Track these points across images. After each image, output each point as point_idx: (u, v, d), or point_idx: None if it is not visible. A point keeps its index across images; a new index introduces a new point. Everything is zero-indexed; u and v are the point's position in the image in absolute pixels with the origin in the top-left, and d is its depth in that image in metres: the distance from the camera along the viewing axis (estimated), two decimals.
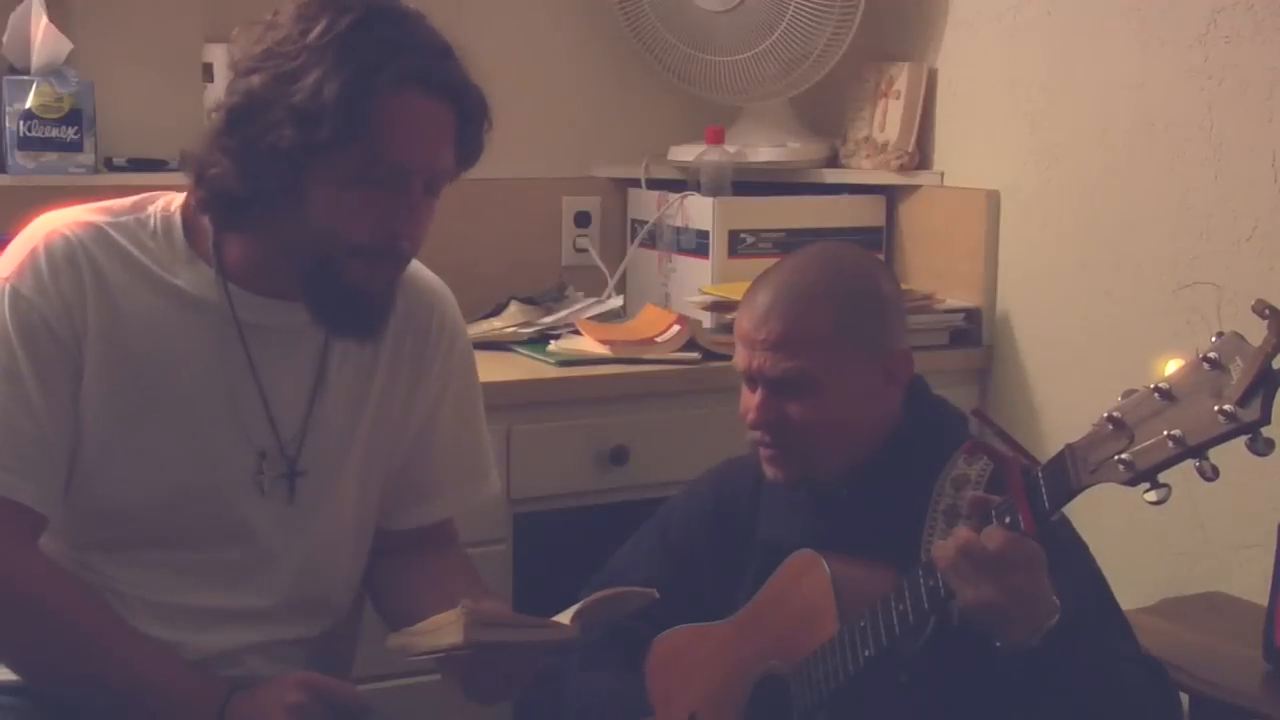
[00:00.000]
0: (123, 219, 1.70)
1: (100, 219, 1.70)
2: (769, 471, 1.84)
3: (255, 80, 1.60)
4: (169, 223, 1.71)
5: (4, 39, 2.50)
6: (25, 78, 2.49)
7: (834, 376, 1.78)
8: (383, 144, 1.58)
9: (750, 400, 1.83)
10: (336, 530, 1.80)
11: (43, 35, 2.47)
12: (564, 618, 1.63)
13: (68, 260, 1.65)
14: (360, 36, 1.58)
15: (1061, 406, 2.63)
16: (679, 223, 2.88)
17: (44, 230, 1.68)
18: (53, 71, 2.49)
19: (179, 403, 1.68)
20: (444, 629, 1.58)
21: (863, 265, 1.90)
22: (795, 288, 1.81)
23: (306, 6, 1.61)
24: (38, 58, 2.48)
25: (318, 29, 1.58)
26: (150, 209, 1.72)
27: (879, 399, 1.82)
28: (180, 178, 2.53)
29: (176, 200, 1.73)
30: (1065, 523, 1.75)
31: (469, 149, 1.68)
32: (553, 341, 2.65)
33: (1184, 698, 2.03)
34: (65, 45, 2.50)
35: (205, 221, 1.69)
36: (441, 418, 1.85)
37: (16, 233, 2.20)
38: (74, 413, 1.65)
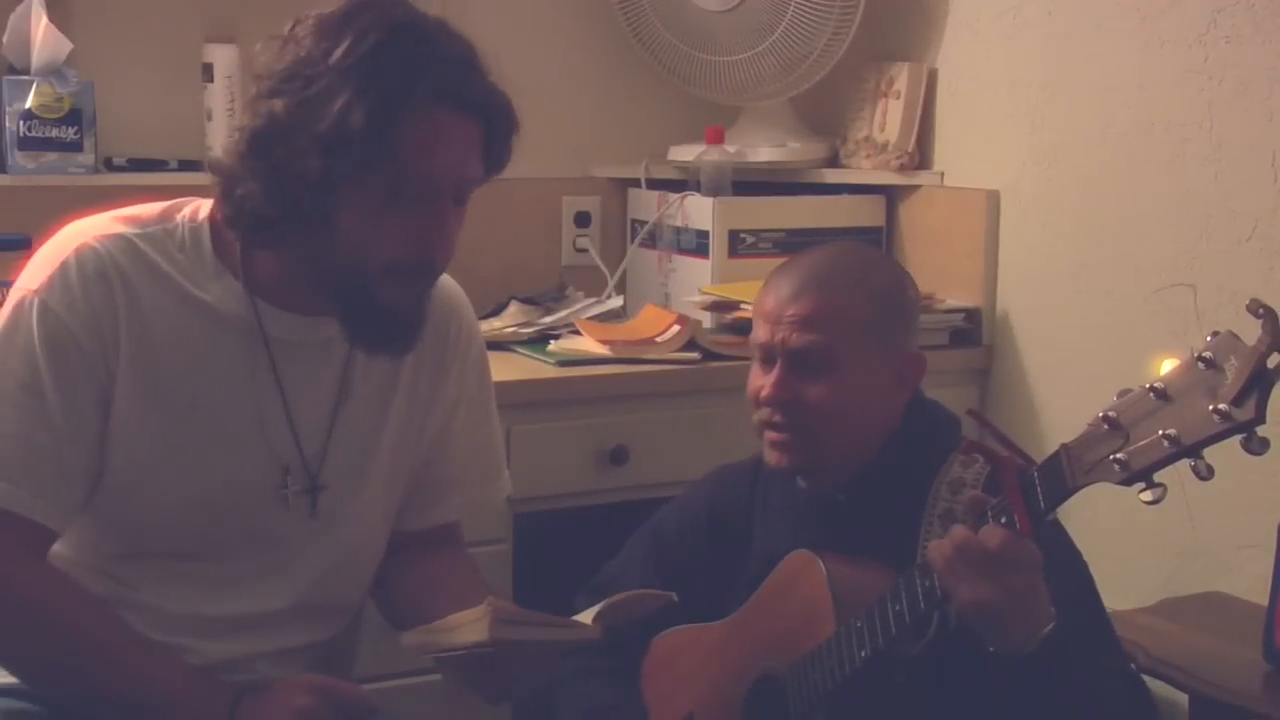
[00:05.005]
0: (150, 229, 1.68)
1: (128, 230, 1.67)
2: (771, 457, 1.83)
3: (278, 104, 1.57)
4: (197, 234, 1.69)
5: (4, 39, 2.50)
6: (25, 78, 2.49)
7: (854, 363, 1.79)
8: (411, 164, 1.57)
9: (763, 379, 1.83)
10: (360, 539, 1.80)
11: (43, 35, 2.47)
12: (585, 618, 1.62)
13: (99, 275, 1.63)
14: (384, 58, 1.55)
15: (1061, 406, 2.63)
16: (679, 223, 2.88)
17: (73, 242, 1.66)
18: (53, 71, 2.49)
19: (206, 418, 1.68)
20: (467, 626, 1.57)
21: (892, 266, 1.94)
22: (830, 273, 1.83)
23: (327, 23, 1.58)
24: (38, 58, 2.48)
25: (340, 50, 1.55)
26: (178, 218, 1.70)
27: (888, 400, 1.83)
28: (181, 178, 2.57)
29: (203, 209, 1.71)
30: (1060, 530, 1.76)
31: (497, 157, 1.66)
32: (553, 341, 2.65)
33: (1184, 698, 2.04)
34: (65, 45, 2.50)
35: (233, 234, 1.67)
36: (456, 421, 1.85)
37: (16, 233, 2.21)
38: (97, 429, 1.64)
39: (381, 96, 1.54)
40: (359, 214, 1.59)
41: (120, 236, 1.67)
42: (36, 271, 1.66)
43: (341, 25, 1.58)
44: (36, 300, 1.63)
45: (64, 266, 1.64)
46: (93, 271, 1.64)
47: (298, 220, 1.60)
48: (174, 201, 1.73)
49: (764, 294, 1.86)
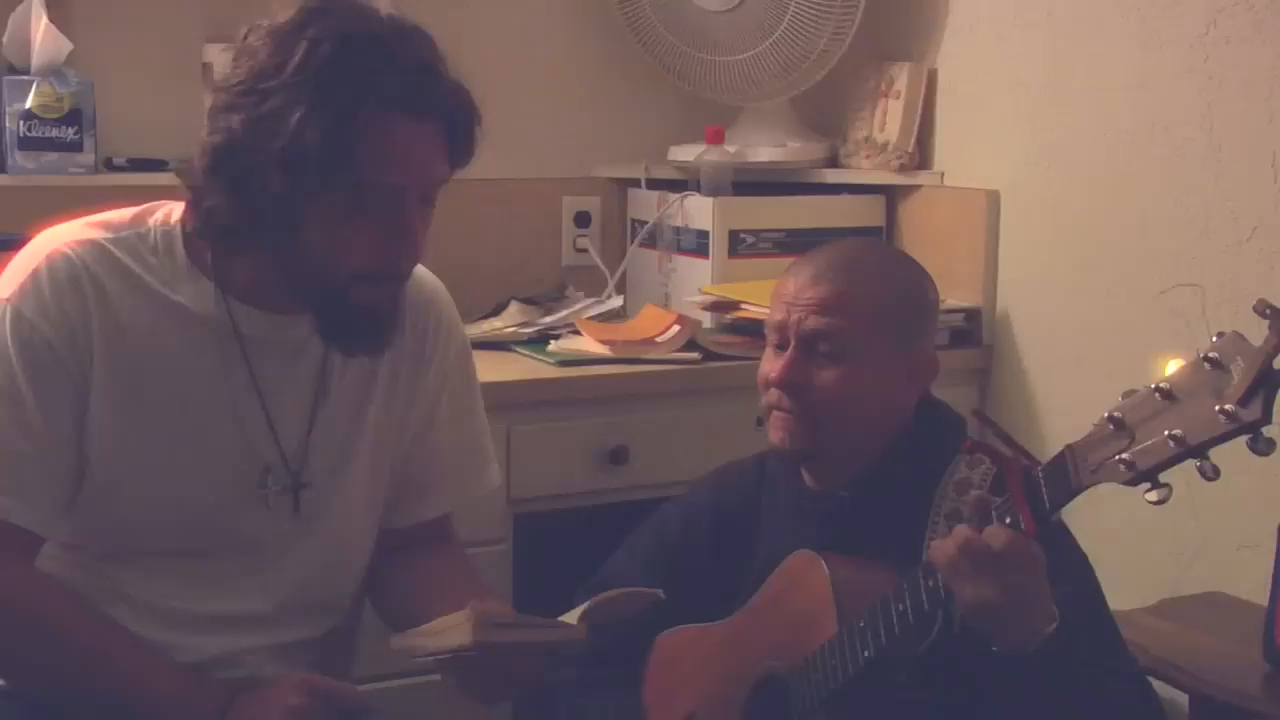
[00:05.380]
0: (124, 234, 1.68)
1: (101, 235, 1.68)
2: (775, 436, 1.84)
3: (235, 120, 1.56)
4: (170, 237, 1.69)
5: (4, 39, 2.50)
6: (25, 78, 2.49)
7: (866, 353, 1.80)
8: (372, 175, 1.56)
9: (775, 363, 1.83)
10: (345, 536, 1.81)
11: (43, 35, 2.47)
12: (570, 618, 1.63)
13: (71, 281, 1.64)
14: (338, 70, 1.54)
15: (1061, 406, 2.63)
16: (679, 223, 2.88)
17: (45, 249, 1.66)
18: (53, 71, 2.49)
19: (184, 420, 1.68)
20: (451, 630, 1.58)
21: (914, 265, 1.94)
22: (852, 263, 1.85)
23: (279, 33, 1.57)
24: (38, 58, 2.48)
25: (294, 62, 1.54)
26: (150, 222, 1.70)
27: (896, 396, 1.83)
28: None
29: (176, 212, 1.71)
30: (1065, 532, 1.76)
31: (461, 152, 1.66)
32: (553, 341, 2.65)
33: (1184, 698, 2.04)
34: (65, 45, 2.50)
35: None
36: (439, 415, 1.85)
37: (17, 232, 2.20)
38: (76, 434, 1.64)
39: (337, 111, 1.53)
40: (324, 226, 1.59)
41: (92, 242, 1.67)
42: (9, 280, 1.67)
43: (294, 35, 1.56)
44: (9, 308, 1.64)
45: (36, 274, 1.64)
46: (65, 278, 1.64)
47: (264, 232, 1.60)
48: (146, 205, 1.73)
49: (784, 279, 1.87)
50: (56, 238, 1.68)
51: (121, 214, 1.72)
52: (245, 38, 1.60)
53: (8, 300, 1.64)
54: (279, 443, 1.72)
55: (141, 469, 1.67)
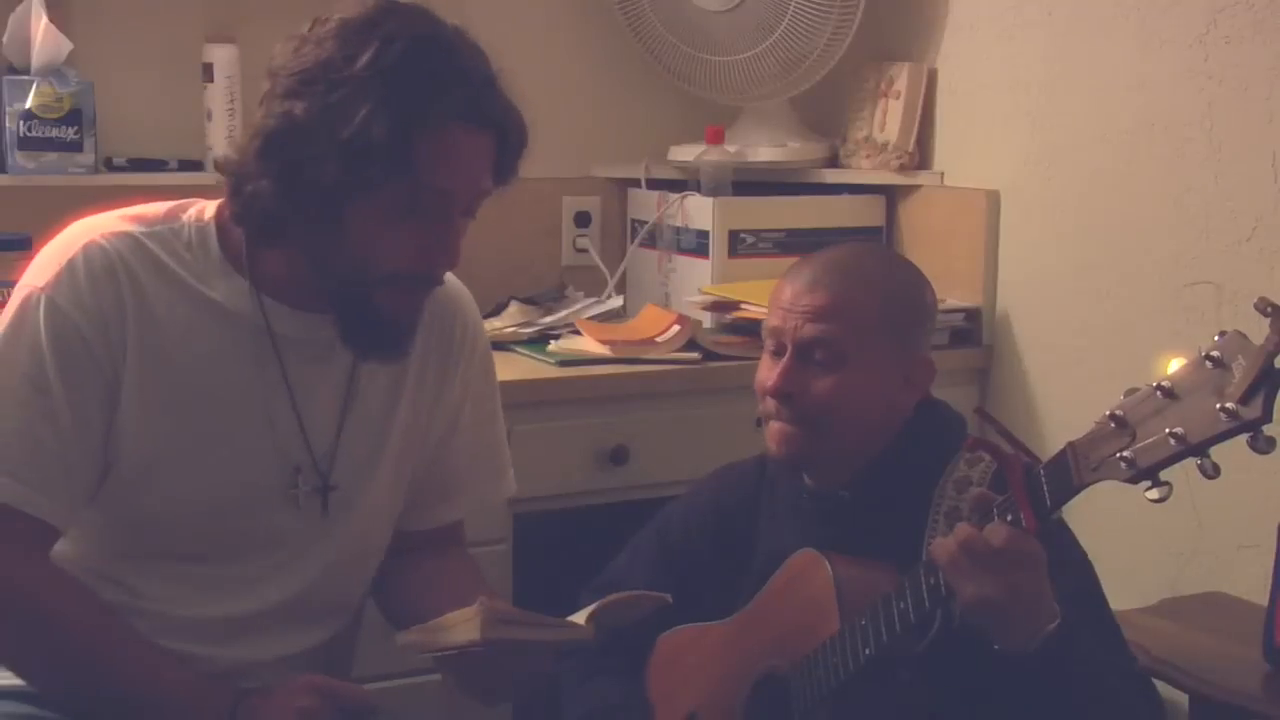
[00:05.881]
0: (157, 229, 1.68)
1: (135, 229, 1.67)
2: (773, 447, 1.84)
3: (298, 106, 1.56)
4: (204, 233, 1.69)
5: (4, 39, 2.50)
6: (25, 78, 2.48)
7: (862, 359, 1.80)
8: (428, 178, 1.57)
9: (771, 370, 1.83)
10: (365, 538, 1.81)
11: (43, 35, 2.47)
12: (579, 618, 1.62)
13: (107, 273, 1.63)
14: (410, 70, 1.55)
15: (1061, 406, 2.63)
16: (679, 223, 2.88)
17: (80, 240, 1.66)
18: (53, 71, 2.49)
19: (215, 417, 1.67)
20: (460, 626, 1.58)
21: (911, 270, 1.94)
22: (849, 269, 1.85)
23: (350, 27, 1.58)
24: (38, 58, 2.48)
25: (365, 58, 1.55)
26: (184, 218, 1.70)
27: (894, 400, 1.83)
28: (181, 178, 2.56)
29: (209, 209, 1.71)
30: (1065, 529, 1.76)
31: (506, 170, 1.67)
32: (553, 341, 2.65)
33: (1184, 698, 2.04)
34: (65, 45, 2.49)
35: (239, 233, 1.67)
36: (462, 421, 1.86)
37: (17, 232, 2.20)
38: (103, 427, 1.63)
39: (405, 110, 1.54)
40: (370, 222, 1.59)
41: (127, 235, 1.67)
42: (43, 269, 1.66)
43: (366, 31, 1.57)
44: (44, 298, 1.63)
45: (71, 264, 1.64)
46: (100, 269, 1.63)
47: (305, 222, 1.60)
48: (179, 201, 1.73)
49: (782, 284, 1.87)
50: (91, 229, 1.67)
51: (155, 208, 1.72)
52: (312, 29, 1.60)
53: (42, 289, 1.63)
54: (309, 443, 1.72)
55: (170, 465, 1.66)
